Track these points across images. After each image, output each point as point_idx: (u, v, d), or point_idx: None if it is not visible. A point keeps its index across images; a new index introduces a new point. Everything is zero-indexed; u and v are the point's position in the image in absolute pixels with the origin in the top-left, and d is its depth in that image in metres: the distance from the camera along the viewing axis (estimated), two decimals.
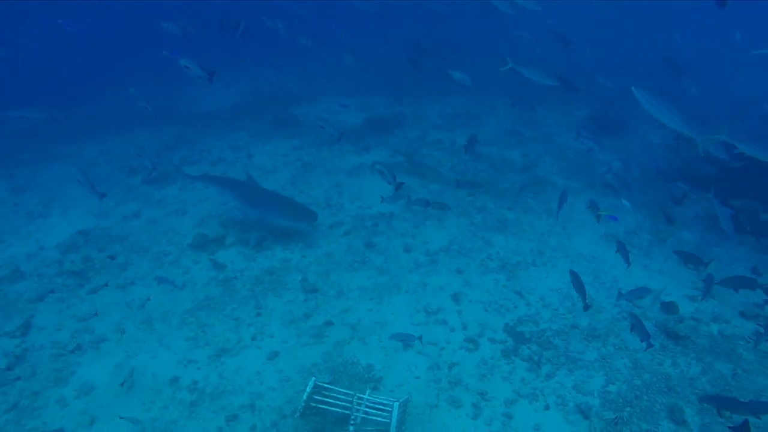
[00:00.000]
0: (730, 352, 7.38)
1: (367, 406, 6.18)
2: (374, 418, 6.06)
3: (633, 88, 6.76)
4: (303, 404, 6.15)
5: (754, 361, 7.28)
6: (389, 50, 18.95)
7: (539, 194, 11.63)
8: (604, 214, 9.37)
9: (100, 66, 20.99)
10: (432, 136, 14.41)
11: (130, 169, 13.42)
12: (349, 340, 7.75)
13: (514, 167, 12.81)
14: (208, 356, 7.54)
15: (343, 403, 6.14)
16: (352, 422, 6.02)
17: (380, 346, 7.65)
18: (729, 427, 5.51)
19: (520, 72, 9.61)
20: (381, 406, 6.14)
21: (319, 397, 6.17)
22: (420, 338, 7.20)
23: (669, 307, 8.12)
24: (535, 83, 9.72)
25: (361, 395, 6.22)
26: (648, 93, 6.79)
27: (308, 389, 6.18)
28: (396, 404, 6.01)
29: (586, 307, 6.81)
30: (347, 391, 6.22)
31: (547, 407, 6.75)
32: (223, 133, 15.50)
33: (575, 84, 11.49)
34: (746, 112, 16.77)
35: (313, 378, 6.32)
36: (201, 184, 11.72)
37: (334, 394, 6.21)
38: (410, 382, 7.08)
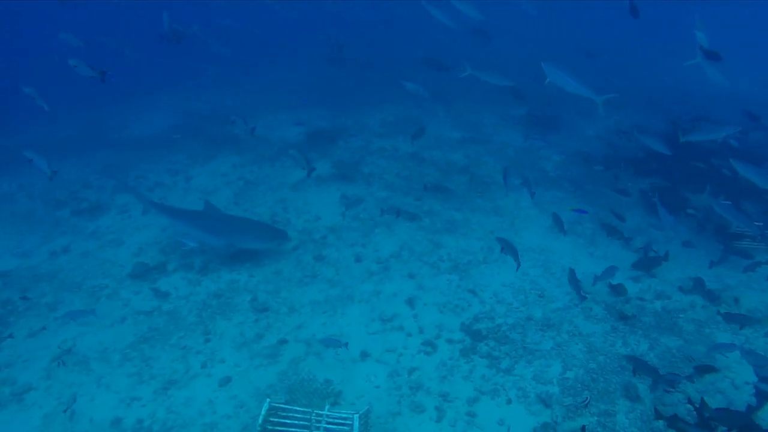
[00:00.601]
0: (673, 326, 7.67)
1: (327, 423, 5.95)
2: (335, 430, 5.83)
3: (542, 62, 7.34)
4: (259, 429, 5.82)
5: (693, 331, 7.59)
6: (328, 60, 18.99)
7: (485, 193, 11.81)
8: (572, 210, 9.78)
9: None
10: (375, 144, 14.39)
11: (56, 202, 12.55)
12: (305, 357, 7.48)
13: (458, 169, 12.96)
14: (153, 391, 7.05)
15: (302, 422, 5.86)
16: None
17: (337, 360, 7.41)
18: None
19: (479, 76, 10.24)
20: (341, 421, 5.91)
21: (276, 419, 5.86)
22: (346, 344, 7.11)
23: (618, 289, 8.34)
24: (487, 84, 10.13)
25: (320, 411, 5.97)
26: (553, 65, 7.38)
27: (263, 412, 5.87)
28: (356, 416, 5.81)
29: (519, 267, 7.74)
30: (305, 409, 5.95)
31: (509, 401, 6.73)
32: (159, 156, 14.85)
33: (521, 92, 12.27)
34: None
35: (268, 399, 6.01)
36: (155, 211, 10.80)
37: (292, 414, 5.92)
38: (370, 392, 6.89)
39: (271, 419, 5.88)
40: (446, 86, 16.58)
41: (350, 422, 5.81)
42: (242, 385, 7.06)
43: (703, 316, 7.85)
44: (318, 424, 5.88)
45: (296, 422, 5.85)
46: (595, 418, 6.36)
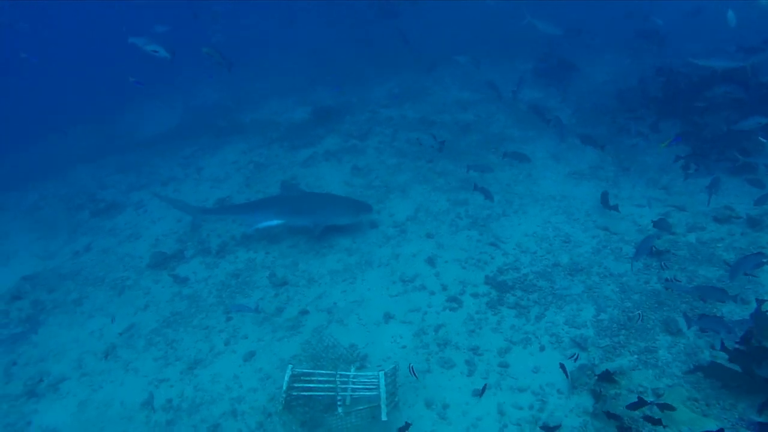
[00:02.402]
0: (711, 256, 7.21)
1: (353, 385, 5.77)
2: (363, 393, 5.65)
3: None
4: (284, 396, 5.68)
5: (731, 259, 7.11)
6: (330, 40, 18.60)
7: (499, 149, 11.39)
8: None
9: (38, 102, 20.14)
10: (382, 114, 14.06)
11: (77, 206, 12.66)
12: (327, 325, 7.32)
13: (470, 128, 12.54)
14: (180, 372, 7.00)
15: (327, 385, 5.70)
16: (339, 403, 5.59)
17: (360, 325, 7.23)
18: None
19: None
20: (367, 380, 5.73)
21: (300, 384, 5.71)
22: (257, 308, 7.13)
23: (660, 225, 7.77)
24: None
25: (345, 372, 5.79)
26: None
27: (286, 378, 5.71)
28: (381, 374, 5.61)
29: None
30: (329, 372, 5.78)
31: (542, 348, 6.44)
32: (169, 152, 14.83)
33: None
34: None
35: (290, 366, 5.85)
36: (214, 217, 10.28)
37: (316, 378, 5.76)
38: (397, 352, 6.68)
39: (296, 385, 5.72)
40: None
41: (376, 381, 5.62)
42: (266, 357, 6.95)
43: (744, 243, 7.36)
44: (344, 386, 5.70)
45: (321, 385, 5.68)
46: (636, 356, 6.01)
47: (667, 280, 6.54)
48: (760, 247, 7.10)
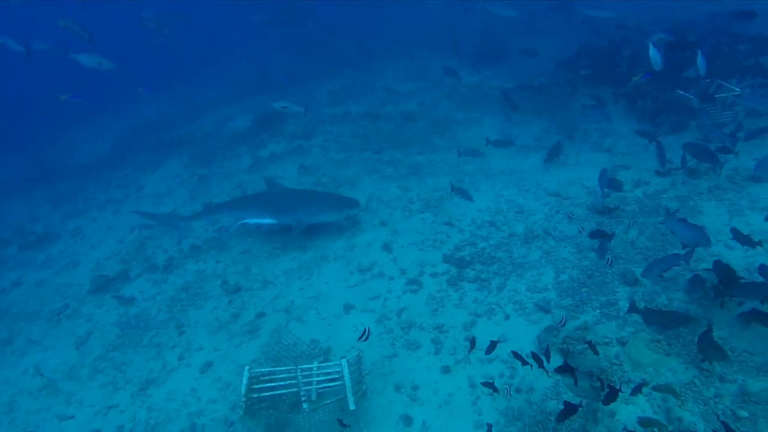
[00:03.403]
0: (657, 207, 7.32)
1: (318, 378, 5.46)
2: (328, 386, 5.35)
3: None
4: (244, 400, 5.30)
5: (679, 207, 7.24)
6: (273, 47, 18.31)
7: (445, 132, 11.37)
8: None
9: None
10: (326, 113, 13.82)
11: (3, 242, 11.72)
12: (286, 324, 6.98)
13: (415, 116, 12.48)
14: (131, 395, 6.48)
15: (289, 382, 5.37)
16: (304, 399, 5.26)
17: (320, 319, 6.93)
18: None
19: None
20: (331, 372, 5.44)
21: (260, 386, 5.35)
22: (145, 326, 7.22)
23: (613, 184, 7.72)
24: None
25: (306, 366, 5.48)
26: None
27: (244, 382, 5.33)
28: (343, 362, 5.32)
29: None
30: (288, 368, 5.45)
31: (507, 317, 6.33)
32: (105, 175, 14.07)
33: None
34: None
35: (247, 367, 5.47)
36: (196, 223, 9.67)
37: (276, 377, 5.41)
38: (361, 342, 6.41)
39: (255, 387, 5.35)
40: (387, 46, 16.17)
41: (340, 369, 5.33)
42: (225, 366, 6.53)
43: (685, 191, 7.52)
44: (307, 380, 5.39)
45: (283, 383, 5.34)
46: (598, 310, 5.98)
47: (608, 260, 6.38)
48: (700, 194, 7.29)
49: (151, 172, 13.33)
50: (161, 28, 16.30)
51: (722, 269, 5.24)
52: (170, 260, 9.05)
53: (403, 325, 6.52)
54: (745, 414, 4.21)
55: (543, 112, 11.17)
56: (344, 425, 4.91)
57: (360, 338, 5.18)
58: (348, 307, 6.98)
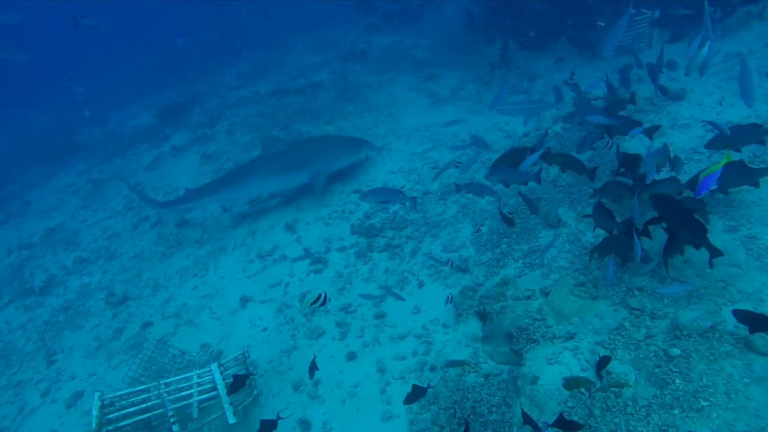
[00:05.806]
0: (576, 138, 6.59)
1: (199, 393, 4.47)
2: (209, 398, 4.37)
3: None
4: None
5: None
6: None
7: (355, 98, 10.42)
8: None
9: None
10: (233, 97, 12.62)
11: None
12: (175, 330, 5.93)
13: (325, 86, 11.46)
14: None
15: (152, 402, 4.35)
16: (174, 421, 4.25)
17: (213, 319, 5.92)
18: None
19: None
20: (206, 382, 4.45)
21: (116, 414, 4.30)
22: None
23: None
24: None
25: (175, 379, 4.47)
26: None
27: (95, 414, 4.26)
28: (214, 366, 4.35)
29: None
30: (146, 386, 4.42)
31: (421, 285, 5.49)
32: None
33: None
34: None
35: (97, 394, 4.40)
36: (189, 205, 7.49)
37: (134, 399, 4.38)
38: (258, 336, 5.46)
39: (111, 417, 4.31)
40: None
41: (210, 374, 4.36)
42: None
43: None
44: (184, 394, 4.39)
45: (144, 406, 4.32)
46: (520, 261, 5.20)
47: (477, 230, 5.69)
48: None
49: (41, 185, 11.82)
50: (97, 27, 14.71)
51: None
52: (50, 279, 7.80)
53: (306, 311, 5.58)
54: (677, 351, 3.50)
55: (458, 62, 10.35)
56: None
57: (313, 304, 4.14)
58: (245, 301, 6.00)
